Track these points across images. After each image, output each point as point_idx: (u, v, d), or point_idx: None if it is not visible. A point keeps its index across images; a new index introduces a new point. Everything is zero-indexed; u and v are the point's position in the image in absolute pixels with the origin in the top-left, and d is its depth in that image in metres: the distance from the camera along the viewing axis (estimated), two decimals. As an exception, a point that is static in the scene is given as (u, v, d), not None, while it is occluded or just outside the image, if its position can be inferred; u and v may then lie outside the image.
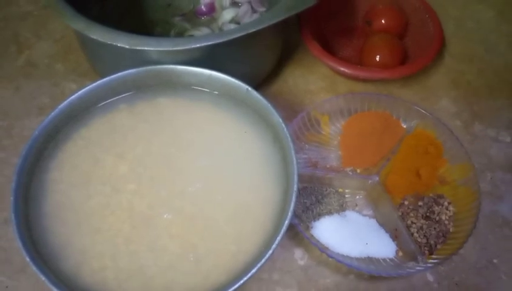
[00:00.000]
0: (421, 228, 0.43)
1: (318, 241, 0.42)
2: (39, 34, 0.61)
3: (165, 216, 0.38)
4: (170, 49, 0.41)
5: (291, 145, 0.39)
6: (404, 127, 0.50)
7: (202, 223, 0.38)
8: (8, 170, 0.49)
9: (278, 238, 0.34)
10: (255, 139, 0.42)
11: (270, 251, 0.34)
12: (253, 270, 0.33)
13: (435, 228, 0.43)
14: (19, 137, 0.51)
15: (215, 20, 0.61)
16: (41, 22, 0.62)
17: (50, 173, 0.40)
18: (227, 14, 0.60)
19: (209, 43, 0.40)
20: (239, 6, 0.60)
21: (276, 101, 0.54)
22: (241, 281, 0.33)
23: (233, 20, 0.60)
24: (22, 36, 0.60)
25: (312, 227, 0.43)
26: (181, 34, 0.59)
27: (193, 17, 0.61)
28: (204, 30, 0.59)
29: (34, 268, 0.33)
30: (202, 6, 0.61)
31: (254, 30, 0.41)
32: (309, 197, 0.45)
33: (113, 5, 0.59)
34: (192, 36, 0.58)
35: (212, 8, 0.61)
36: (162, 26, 0.60)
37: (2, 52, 0.58)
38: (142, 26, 0.59)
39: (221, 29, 0.59)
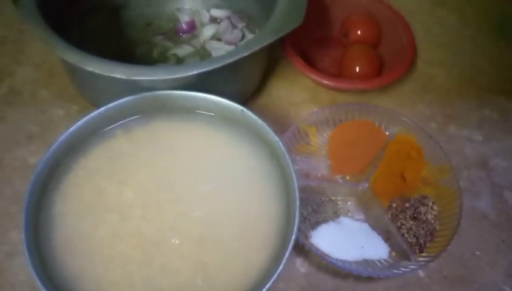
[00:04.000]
0: (411, 228, 0.46)
1: (318, 249, 0.45)
2: (18, 60, 0.60)
3: (174, 238, 0.39)
4: (167, 78, 0.42)
5: (289, 161, 0.41)
6: (387, 133, 0.53)
7: (210, 243, 0.39)
8: (2, 202, 0.48)
9: (287, 253, 0.37)
10: (252, 157, 0.44)
11: (281, 267, 0.36)
12: (268, 285, 0.36)
13: (423, 228, 0.46)
14: (11, 168, 0.51)
15: (196, 37, 0.62)
16: (19, 47, 0.61)
17: (56, 206, 0.40)
18: (208, 31, 0.61)
19: (204, 70, 0.42)
20: (218, 23, 0.62)
21: (263, 115, 0.56)
22: (257, 297, 0.35)
23: (214, 37, 0.61)
24: (0, 63, 0.59)
25: (310, 236, 0.46)
26: (163, 53, 0.60)
27: (174, 35, 0.62)
28: (187, 48, 0.60)
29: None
30: (183, 25, 0.62)
31: (247, 53, 0.43)
32: (306, 208, 0.48)
33: (93, 27, 0.59)
34: (175, 54, 0.59)
35: (192, 26, 0.62)
36: (143, 46, 0.60)
37: (-19, 81, 0.58)
38: (123, 47, 0.60)
39: (203, 46, 0.61)
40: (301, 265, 0.46)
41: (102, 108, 0.43)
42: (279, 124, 0.55)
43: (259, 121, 0.43)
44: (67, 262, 0.38)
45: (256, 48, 0.43)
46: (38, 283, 0.34)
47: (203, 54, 0.60)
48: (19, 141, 0.53)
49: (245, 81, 0.53)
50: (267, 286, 0.35)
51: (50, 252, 0.38)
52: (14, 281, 0.44)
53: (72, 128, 0.42)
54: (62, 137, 0.41)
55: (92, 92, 0.50)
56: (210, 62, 0.43)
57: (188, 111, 0.46)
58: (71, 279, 0.37)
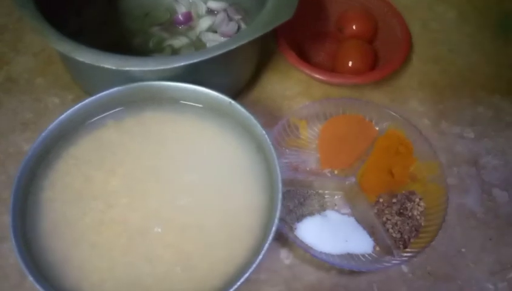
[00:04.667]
0: (396, 224, 0.47)
1: (302, 242, 0.45)
2: (17, 48, 0.61)
3: (158, 227, 0.40)
4: (155, 68, 0.42)
5: (274, 155, 0.41)
6: (377, 128, 0.53)
7: (194, 232, 0.40)
8: (-4, 187, 0.50)
9: (267, 244, 0.37)
10: (239, 149, 0.44)
11: (260, 257, 0.37)
12: (246, 275, 0.36)
13: (408, 224, 0.47)
14: (5, 154, 0.52)
15: (193, 28, 0.62)
16: (18, 36, 0.62)
17: (44, 192, 0.41)
18: (204, 23, 0.62)
19: (191, 61, 0.42)
20: (215, 15, 0.62)
21: (255, 108, 0.57)
22: (235, 286, 0.36)
23: (210, 29, 0.62)
24: (-1, 50, 0.61)
25: (295, 228, 0.46)
26: (159, 44, 0.60)
27: (171, 26, 0.62)
28: (182, 39, 0.61)
29: (38, 286, 0.35)
30: (180, 16, 0.62)
31: (234, 46, 0.43)
32: (292, 200, 0.48)
33: (91, 16, 0.60)
34: (170, 45, 0.60)
35: (189, 17, 0.62)
36: (140, 37, 0.61)
37: (-21, 68, 0.59)
38: (121, 37, 0.60)
39: (198, 38, 0.61)
40: (285, 256, 0.47)
41: (92, 97, 0.44)
42: (272, 117, 0.55)
43: (247, 113, 0.44)
44: (52, 247, 0.39)
45: (245, 41, 0.44)
46: (23, 266, 0.35)
47: (198, 45, 0.60)
48: (14, 128, 0.54)
49: (236, 73, 0.53)
50: (246, 275, 0.36)
51: (36, 237, 0.39)
52: (3, 264, 0.45)
53: (62, 117, 0.43)
54: (52, 125, 0.42)
55: (85, 81, 0.51)
56: (199, 54, 0.43)
57: (177, 102, 0.46)
58: (56, 264, 0.38)
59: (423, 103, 0.59)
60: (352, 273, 0.46)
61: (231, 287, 0.36)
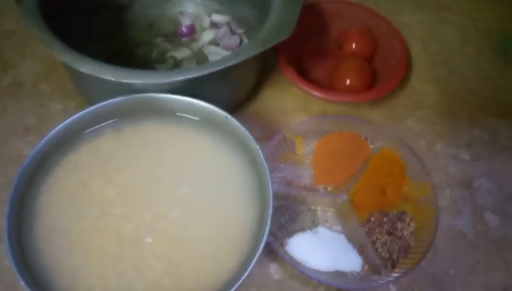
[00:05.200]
0: (385, 243, 0.47)
1: (291, 257, 0.46)
2: (24, 53, 0.62)
3: (150, 237, 0.41)
4: (155, 82, 0.43)
5: (267, 170, 0.42)
6: (371, 147, 0.54)
7: (184, 244, 0.41)
8: (-4, 189, 0.51)
9: (254, 260, 0.38)
10: (233, 163, 0.45)
11: (247, 273, 0.37)
12: (232, 289, 0.37)
13: (397, 244, 0.47)
14: (6, 157, 0.53)
15: (196, 41, 0.64)
16: (25, 41, 0.64)
17: (41, 197, 0.42)
18: (207, 36, 0.63)
19: (191, 76, 0.43)
20: (218, 28, 0.63)
21: (253, 121, 0.58)
22: (221, 300, 0.36)
23: (213, 42, 0.63)
24: (6, 54, 0.62)
25: (286, 244, 0.47)
26: (162, 54, 0.62)
27: (175, 38, 0.63)
28: (185, 51, 0.62)
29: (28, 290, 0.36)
30: (183, 28, 0.63)
31: (233, 63, 0.44)
32: (284, 215, 0.49)
33: (97, 26, 0.61)
34: (173, 56, 0.61)
35: (192, 30, 0.63)
36: (144, 47, 0.62)
37: (-14, 71, 0.60)
38: (125, 46, 0.62)
39: (201, 50, 0.62)
40: (274, 271, 0.48)
41: (93, 107, 0.45)
42: (269, 130, 0.56)
43: (242, 128, 0.44)
44: (46, 252, 0.40)
45: (244, 57, 0.45)
46: (14, 269, 0.36)
47: (200, 57, 0.61)
48: (16, 132, 0.55)
49: (236, 87, 0.54)
50: (232, 290, 0.36)
51: (30, 241, 0.40)
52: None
53: (62, 125, 0.44)
54: (52, 132, 0.43)
55: (86, 90, 0.52)
56: (198, 69, 0.44)
57: (175, 114, 0.47)
58: (48, 269, 0.39)
59: (419, 122, 0.59)
60: (339, 289, 0.46)
61: (217, 300, 0.36)
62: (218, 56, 0.61)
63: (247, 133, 0.44)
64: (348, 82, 0.57)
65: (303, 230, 0.48)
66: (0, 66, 0.61)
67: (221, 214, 0.42)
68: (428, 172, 0.52)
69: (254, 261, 0.38)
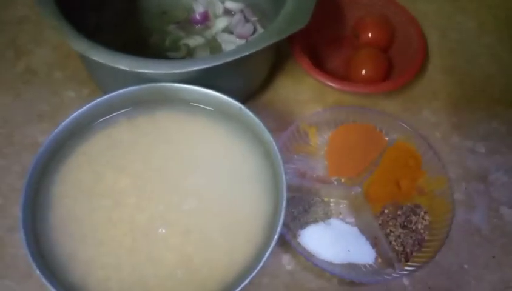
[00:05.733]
0: (399, 236, 0.47)
1: (304, 249, 0.46)
2: (37, 40, 0.62)
3: (163, 228, 0.41)
4: (168, 72, 0.43)
5: (281, 162, 0.42)
6: (387, 139, 0.53)
7: (197, 236, 0.41)
8: (9, 178, 0.51)
9: (267, 253, 0.38)
10: (247, 154, 0.45)
11: (260, 265, 0.37)
12: (246, 281, 0.37)
13: (411, 237, 0.47)
14: (20, 145, 0.53)
15: (209, 28, 0.63)
16: (38, 28, 0.63)
17: (55, 186, 0.42)
18: (220, 23, 0.62)
19: (204, 66, 0.43)
20: (232, 15, 0.63)
21: (267, 111, 0.57)
22: (234, 292, 0.36)
23: (226, 29, 0.62)
24: (19, 41, 0.62)
25: (299, 235, 0.47)
26: (175, 42, 0.61)
27: (188, 25, 0.63)
28: (198, 39, 0.61)
29: (43, 280, 0.36)
30: (197, 15, 0.62)
31: (247, 53, 0.44)
32: (297, 207, 0.48)
33: (111, 14, 0.61)
34: (186, 44, 0.60)
35: (205, 17, 0.63)
36: (157, 35, 0.61)
37: (-1, 58, 0.60)
38: (138, 35, 0.61)
39: (214, 38, 0.62)
40: (287, 262, 0.48)
41: (106, 96, 0.45)
42: (282, 121, 0.56)
43: (256, 119, 0.44)
44: (60, 242, 0.40)
45: (258, 47, 0.44)
46: (30, 259, 0.37)
47: (214, 45, 0.61)
48: (31, 119, 0.55)
49: (250, 77, 0.54)
50: (245, 283, 0.36)
51: (45, 231, 0.40)
52: (15, 254, 0.47)
53: (76, 114, 0.44)
54: (65, 121, 0.43)
55: (100, 79, 0.52)
56: (212, 59, 0.43)
57: (188, 103, 0.47)
58: (63, 259, 0.39)
59: (436, 114, 0.58)
60: (352, 283, 0.46)
61: (230, 293, 0.36)
62: (231, 44, 0.60)
63: (261, 124, 0.44)
64: (364, 72, 0.56)
65: (315, 221, 0.48)
66: (13, 53, 0.61)
67: (235, 206, 0.42)
68: (444, 165, 0.51)
69: (268, 253, 0.38)
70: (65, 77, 0.59)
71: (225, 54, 0.44)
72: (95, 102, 0.45)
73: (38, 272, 0.36)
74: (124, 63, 0.43)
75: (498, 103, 0.60)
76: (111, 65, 0.43)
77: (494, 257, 0.49)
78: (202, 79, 0.45)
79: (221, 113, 0.47)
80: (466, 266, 0.48)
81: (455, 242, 0.49)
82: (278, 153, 0.42)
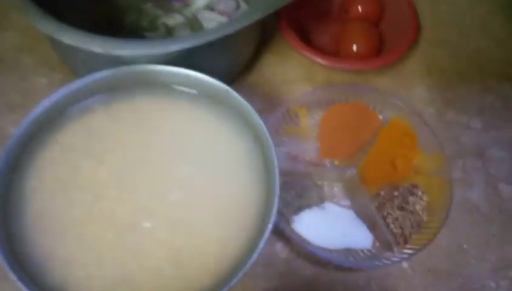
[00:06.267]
0: (397, 219, 0.45)
1: (299, 236, 0.43)
2: (2, 24, 0.57)
3: (148, 222, 0.38)
4: (146, 53, 0.39)
5: (272, 147, 0.39)
6: (381, 117, 0.51)
7: (185, 228, 0.38)
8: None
9: (262, 242, 0.35)
10: (235, 140, 0.42)
11: (255, 255, 0.35)
12: (240, 274, 0.34)
13: (409, 219, 0.45)
14: (-9, 136, 0.50)
15: (189, 6, 0.59)
16: (2, 11, 0.58)
17: (28, 181, 0.39)
18: (200, 0, 0.58)
19: (186, 46, 0.39)
20: (213, -9, 0.59)
21: (253, 92, 0.54)
22: (227, 287, 0.34)
23: (207, 7, 0.58)
24: (-18, 25, 0.57)
25: (293, 222, 0.45)
26: (153, 22, 0.57)
27: (166, 3, 0.59)
28: (177, 17, 0.57)
29: (20, 285, 0.33)
30: (175, -8, 0.59)
31: (232, 30, 0.40)
32: (290, 192, 0.46)
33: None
34: (164, 23, 0.57)
35: (184, -6, 0.59)
36: (133, 14, 0.57)
37: (-38, 44, 0.56)
38: (112, 14, 0.57)
39: (194, 16, 0.58)
40: (281, 250, 0.45)
41: (79, 81, 0.41)
42: (270, 103, 0.53)
43: (244, 102, 0.41)
44: (36, 241, 0.37)
45: (243, 24, 0.41)
46: (3, 262, 0.34)
47: (194, 24, 0.57)
48: (0, 110, 0.51)
49: (234, 57, 0.50)
50: (239, 276, 0.34)
51: (19, 229, 0.37)
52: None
53: (47, 101, 0.40)
54: (36, 109, 0.40)
55: (72, 63, 0.48)
56: (194, 38, 0.40)
57: (170, 87, 0.44)
58: (40, 258, 0.36)
59: (429, 90, 0.56)
60: (350, 268, 0.44)
61: (223, 288, 0.34)
62: (213, 22, 0.57)
63: (249, 106, 0.41)
64: (355, 48, 0.53)
65: (309, 206, 0.46)
66: (-24, 39, 0.56)
67: (224, 195, 0.39)
68: (440, 142, 0.49)
69: (262, 243, 0.35)
70: (35, 62, 0.55)
71: (208, 32, 0.41)
72: (68, 86, 0.41)
73: (13, 276, 0.33)
74: (97, 45, 0.39)
75: (491, 77, 0.58)
76: (83, 47, 0.39)
77: (494, 235, 0.47)
78: (183, 60, 0.42)
79: (205, 96, 0.43)
80: (465, 246, 0.47)
81: (453, 222, 0.47)
82: (268, 137, 0.39)
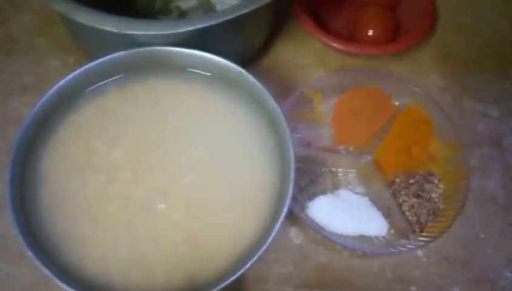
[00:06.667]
0: (413, 206, 0.44)
1: (313, 221, 0.43)
2: (16, 6, 0.57)
3: (162, 203, 0.38)
4: (161, 33, 0.39)
5: (287, 130, 0.39)
6: (396, 104, 0.50)
7: (199, 210, 0.38)
8: (-5, 152, 0.48)
9: (277, 225, 0.35)
10: (249, 123, 0.42)
11: (270, 238, 0.35)
12: (255, 257, 0.34)
13: (425, 206, 0.44)
14: (4, 118, 0.50)
15: (202, -11, 0.58)
16: (17, -8, 0.58)
17: (43, 162, 0.39)
18: (215, -16, 0.58)
19: (201, 26, 0.39)
20: (226, -26, 0.58)
21: (267, 77, 0.53)
22: (242, 270, 0.34)
23: (220, -10, 0.58)
24: (-4, 8, 0.57)
25: (307, 207, 0.44)
26: (166, 5, 0.56)
27: (179, -14, 0.58)
28: (190, 1, 0.57)
29: (36, 261, 0.33)
30: (188, -25, 0.58)
31: (247, 10, 0.40)
32: (304, 178, 0.46)
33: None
34: (177, 7, 0.56)
35: (198, -23, 0.58)
36: (146, -4, 0.57)
37: (-23, 26, 0.56)
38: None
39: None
40: (295, 235, 0.45)
41: (93, 63, 0.41)
42: (283, 88, 0.52)
43: (259, 85, 0.41)
44: (52, 220, 0.37)
45: (258, 4, 0.40)
46: (21, 239, 0.34)
47: (207, 8, 0.56)
48: (14, 91, 0.51)
49: (248, 40, 0.50)
50: (253, 260, 0.34)
51: (35, 209, 0.37)
52: (4, 234, 0.44)
53: (62, 83, 0.40)
54: (51, 91, 0.40)
55: (86, 44, 0.48)
56: (209, 18, 0.40)
57: (184, 69, 0.43)
58: (56, 238, 0.36)
59: (445, 77, 0.55)
60: (364, 255, 0.44)
61: (238, 270, 0.34)
62: (225, 5, 0.56)
63: (264, 89, 0.40)
64: (370, 32, 0.52)
65: (323, 192, 0.46)
66: (-10, 21, 0.56)
67: (238, 178, 0.39)
68: (457, 130, 0.48)
69: (278, 226, 0.35)
70: (49, 44, 0.54)
71: (223, 12, 0.40)
72: (83, 68, 0.41)
73: (30, 253, 0.33)
74: (112, 25, 0.39)
75: (509, 64, 0.57)
76: (98, 27, 0.39)
77: (510, 225, 0.46)
78: (197, 42, 0.42)
79: (219, 79, 0.43)
80: (481, 235, 0.46)
81: (470, 211, 0.46)
82: (284, 120, 0.39)
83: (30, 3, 0.57)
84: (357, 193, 0.46)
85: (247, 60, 0.52)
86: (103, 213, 0.37)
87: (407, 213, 0.44)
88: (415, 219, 0.44)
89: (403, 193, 0.45)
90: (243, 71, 0.41)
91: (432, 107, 0.49)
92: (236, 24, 0.41)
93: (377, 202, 0.45)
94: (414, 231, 0.43)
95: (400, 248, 0.42)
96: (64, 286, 0.33)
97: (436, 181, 0.46)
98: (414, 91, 0.49)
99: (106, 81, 0.42)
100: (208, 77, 0.43)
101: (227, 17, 0.40)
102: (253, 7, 0.40)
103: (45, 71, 0.52)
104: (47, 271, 0.33)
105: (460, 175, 0.45)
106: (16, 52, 0.54)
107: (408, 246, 0.42)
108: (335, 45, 0.51)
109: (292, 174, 0.37)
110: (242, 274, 0.34)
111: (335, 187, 0.46)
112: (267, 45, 0.55)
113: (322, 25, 0.53)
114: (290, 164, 0.37)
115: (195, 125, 0.41)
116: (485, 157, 0.50)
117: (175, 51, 0.42)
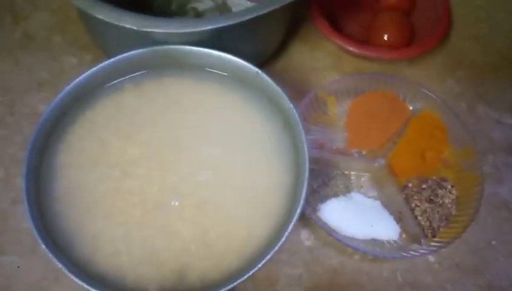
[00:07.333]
0: (425, 211, 0.44)
1: (325, 224, 0.43)
2: (35, 3, 0.58)
3: (175, 201, 0.38)
4: (179, 31, 0.39)
5: (302, 131, 0.39)
6: (411, 108, 0.50)
7: (213, 208, 0.38)
8: (11, 148, 0.48)
9: (291, 226, 0.35)
10: (264, 123, 0.42)
11: (283, 238, 0.35)
12: (268, 257, 0.34)
13: (438, 212, 0.44)
14: (20, 114, 0.50)
15: (219, -10, 0.59)
16: (36, -10, 0.59)
17: (59, 156, 0.39)
18: (231, -15, 0.58)
19: (219, 25, 0.39)
20: (243, -23, 0.58)
21: (281, 79, 0.53)
22: (255, 269, 0.34)
23: (237, -8, 0.58)
24: (16, 5, 0.58)
25: (319, 209, 0.44)
26: (182, 6, 0.57)
27: (196, -12, 0.59)
28: (207, 2, 0.57)
29: (49, 254, 0.33)
30: (205, -24, 0.58)
31: (265, 11, 0.40)
32: (316, 180, 0.46)
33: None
34: (194, 8, 0.57)
35: (215, -21, 0.58)
36: (162, -2, 0.57)
37: (-3, 22, 0.56)
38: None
39: (224, 1, 0.58)
40: (306, 238, 0.45)
41: (111, 60, 0.41)
42: (297, 90, 0.52)
43: (274, 85, 0.41)
44: (66, 215, 0.37)
45: (276, 6, 0.40)
46: (34, 232, 0.34)
47: (223, 10, 0.57)
48: (30, 87, 0.52)
49: (264, 41, 0.50)
50: (265, 260, 0.34)
51: (49, 203, 0.37)
52: (18, 227, 0.44)
53: (79, 79, 0.40)
54: (69, 87, 0.40)
55: (104, 41, 0.48)
56: (226, 18, 0.40)
57: (201, 69, 0.43)
58: (69, 233, 0.37)
59: (460, 83, 0.55)
60: (375, 259, 0.44)
61: (250, 269, 0.34)
62: (242, 8, 0.56)
63: (280, 90, 0.41)
64: (386, 37, 0.52)
65: (336, 195, 0.45)
66: (10, 18, 0.57)
67: (253, 179, 0.39)
68: (472, 137, 0.48)
69: (291, 227, 0.35)
70: (66, 42, 0.55)
71: (240, 13, 0.41)
72: (100, 65, 0.41)
73: (43, 246, 0.33)
74: (131, 22, 0.39)
75: (525, 72, 0.56)
76: (117, 23, 0.39)
77: (523, 232, 0.46)
78: (213, 41, 0.42)
79: (236, 79, 0.43)
80: (494, 242, 0.46)
81: (482, 217, 0.46)
82: (299, 121, 0.39)
83: (49, 2, 0.58)
84: (369, 197, 0.46)
85: (262, 62, 0.53)
86: (117, 208, 0.38)
87: (419, 218, 0.44)
88: (427, 224, 0.43)
89: (415, 197, 0.45)
90: (260, 71, 0.41)
91: (447, 113, 0.48)
92: (254, 25, 0.41)
93: (389, 206, 0.45)
94: (426, 236, 0.43)
95: (411, 252, 0.42)
96: (76, 280, 0.33)
97: (449, 187, 0.45)
98: (429, 96, 0.49)
99: (123, 78, 0.43)
100: (225, 77, 0.43)
101: (246, 17, 0.40)
102: (271, 8, 0.41)
103: (61, 69, 0.53)
104: (60, 265, 0.33)
105: (473, 181, 0.45)
106: (34, 49, 0.54)
107: (420, 251, 0.42)
108: (350, 48, 0.51)
109: (307, 175, 0.37)
110: (253, 274, 0.34)
111: (347, 190, 0.46)
112: (282, 47, 0.55)
113: (337, 28, 0.53)
114: (304, 165, 0.37)
115: (210, 124, 0.41)
116: (499, 165, 0.50)
117: (193, 50, 0.42)
